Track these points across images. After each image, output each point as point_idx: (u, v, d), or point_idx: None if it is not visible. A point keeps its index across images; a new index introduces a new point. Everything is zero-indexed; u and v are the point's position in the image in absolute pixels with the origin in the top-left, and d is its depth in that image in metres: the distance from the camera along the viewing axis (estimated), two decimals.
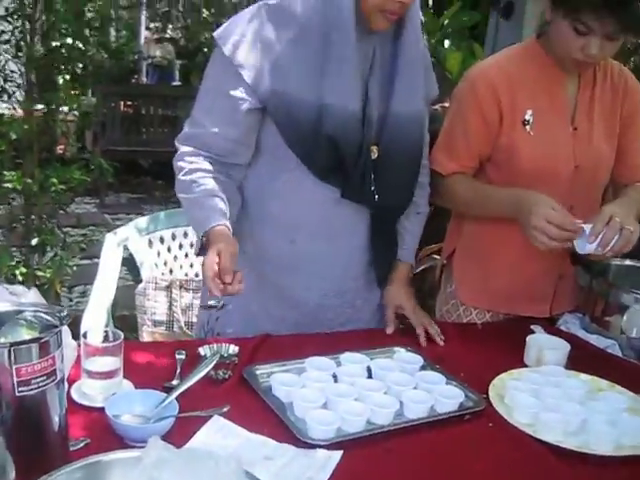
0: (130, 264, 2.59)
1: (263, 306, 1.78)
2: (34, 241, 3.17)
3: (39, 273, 3.18)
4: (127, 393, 1.31)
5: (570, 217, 1.68)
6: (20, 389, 1.02)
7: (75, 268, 3.47)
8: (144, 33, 8.41)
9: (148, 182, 7.65)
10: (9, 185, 3.08)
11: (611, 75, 1.91)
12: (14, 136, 3.15)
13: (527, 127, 1.82)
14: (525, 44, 1.93)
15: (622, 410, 1.46)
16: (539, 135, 1.82)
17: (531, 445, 1.33)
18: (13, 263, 3.09)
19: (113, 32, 8.17)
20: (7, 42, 3.29)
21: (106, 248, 2.49)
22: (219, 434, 1.25)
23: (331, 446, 1.24)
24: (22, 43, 3.23)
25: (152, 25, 8.46)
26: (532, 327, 1.83)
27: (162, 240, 2.63)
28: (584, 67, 1.80)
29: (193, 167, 1.64)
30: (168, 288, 2.49)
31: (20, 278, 3.00)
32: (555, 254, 1.83)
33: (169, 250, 2.65)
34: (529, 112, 1.81)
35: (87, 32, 3.69)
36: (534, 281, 1.91)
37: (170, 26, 8.40)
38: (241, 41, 1.62)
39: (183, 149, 1.68)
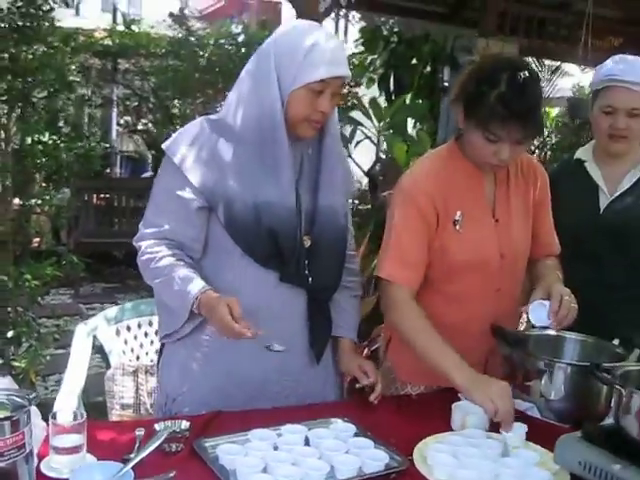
0: (101, 352, 2.77)
1: (214, 386, 1.97)
2: (10, 333, 3.35)
3: (15, 363, 3.34)
4: (89, 465, 1.49)
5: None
6: None
7: (49, 357, 3.64)
8: (115, 128, 8.79)
9: (122, 271, 7.84)
10: None
11: (521, 167, 2.18)
12: None
13: (457, 226, 2.06)
14: (447, 147, 2.18)
15: (532, 465, 1.66)
16: (467, 232, 2.06)
17: None
18: None
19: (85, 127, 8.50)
20: None
21: (77, 337, 2.68)
22: None
23: None
24: None
25: (123, 120, 8.81)
26: (459, 395, 2.03)
27: (129, 329, 2.82)
28: (498, 168, 2.06)
29: (161, 255, 1.87)
30: (135, 373, 2.67)
31: None
32: (485, 331, 2.06)
33: (135, 338, 2.84)
34: (458, 213, 2.06)
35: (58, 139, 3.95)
36: (465, 357, 2.11)
37: (142, 120, 8.76)
38: (188, 150, 1.88)
39: (144, 244, 1.91)
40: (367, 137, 6.27)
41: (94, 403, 2.87)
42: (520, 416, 1.96)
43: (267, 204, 1.87)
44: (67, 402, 2.44)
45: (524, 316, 2.17)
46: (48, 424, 1.55)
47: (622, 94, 2.35)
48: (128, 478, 1.43)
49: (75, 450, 1.52)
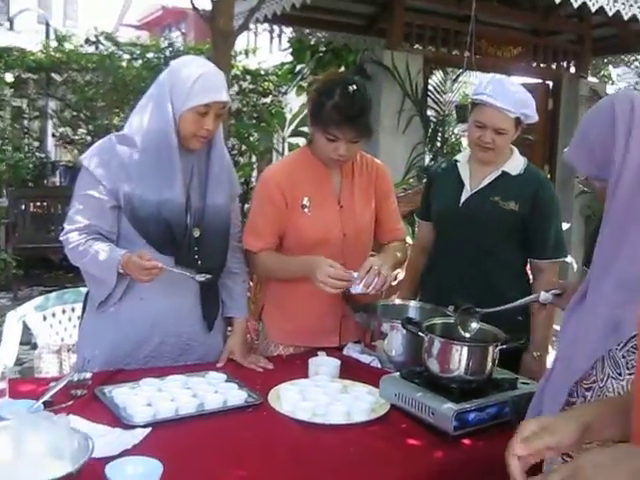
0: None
1: (120, 348, 2.42)
2: None
3: None
4: (8, 403, 1.93)
5: (343, 271, 2.40)
6: None
7: None
8: (51, 139, 9.12)
9: (59, 276, 8.12)
10: None
11: (366, 166, 2.70)
12: None
13: (305, 210, 2.56)
14: (300, 150, 2.73)
15: (359, 398, 2.14)
16: (314, 214, 2.57)
17: (291, 424, 1.99)
18: None
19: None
20: None
21: (8, 322, 3.11)
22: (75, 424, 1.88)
23: (147, 426, 1.88)
24: None
25: (59, 131, 9.13)
26: (318, 353, 2.51)
27: (54, 315, 3.25)
28: (340, 163, 2.56)
29: (85, 239, 2.33)
30: (58, 352, 3.11)
31: None
32: (336, 298, 2.55)
33: (60, 322, 3.27)
34: (306, 199, 2.57)
35: None
36: (322, 320, 2.62)
37: (78, 131, 9.07)
38: (100, 160, 2.35)
39: (70, 236, 2.35)
40: (272, 147, 6.65)
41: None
42: (365, 367, 2.47)
43: (164, 202, 2.34)
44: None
45: None
46: None
47: (491, 114, 2.70)
48: (39, 409, 1.88)
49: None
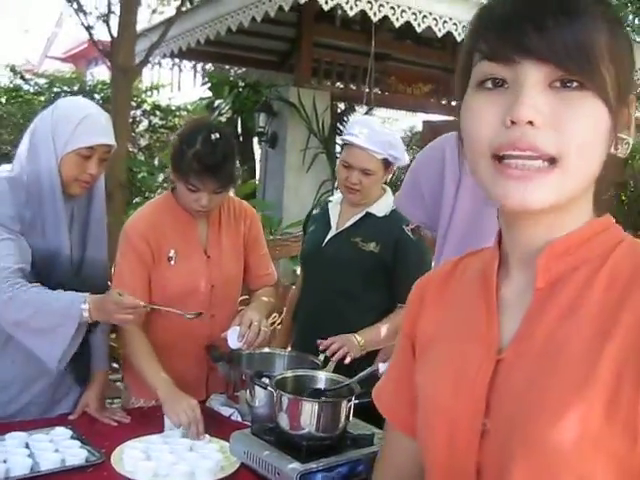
0: None
1: None
2: None
3: None
4: None
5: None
6: None
7: None
8: None
9: None
10: None
11: (233, 210, 2.63)
12: None
13: (171, 262, 2.48)
14: (163, 196, 2.63)
15: (207, 455, 2.07)
16: (180, 266, 2.49)
17: None
18: None
19: None
20: None
21: None
22: None
23: None
24: None
25: None
26: None
27: None
28: (202, 213, 2.49)
29: (21, 289, 2.10)
30: None
31: None
32: (201, 350, 2.48)
33: None
34: (172, 251, 2.49)
35: None
36: (185, 375, 2.49)
37: None
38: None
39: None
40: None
41: None
42: (226, 420, 2.41)
43: (52, 253, 2.23)
44: None
45: None
46: None
47: (358, 154, 2.71)
48: None
49: None
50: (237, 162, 2.51)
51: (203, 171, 2.34)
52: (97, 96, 8.18)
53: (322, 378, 2.22)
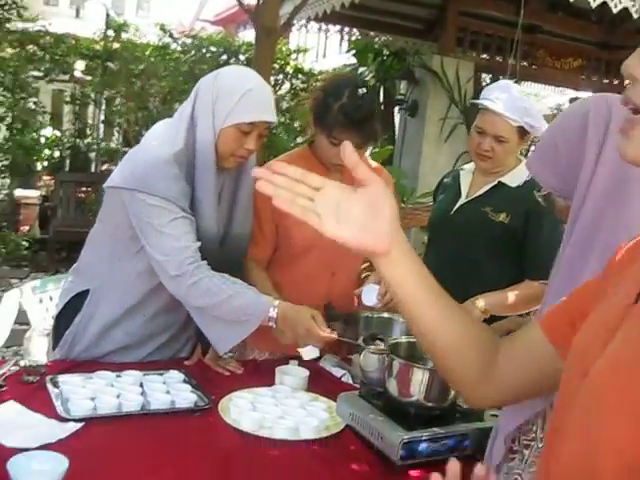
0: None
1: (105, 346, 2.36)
2: None
3: None
4: None
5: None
6: None
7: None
8: (102, 126, 9.29)
9: None
10: None
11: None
12: None
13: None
14: (299, 150, 2.61)
15: (315, 414, 2.05)
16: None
17: (233, 434, 1.91)
18: None
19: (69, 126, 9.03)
20: None
21: (5, 301, 3.13)
22: (7, 410, 1.85)
23: (81, 420, 1.83)
24: None
25: (110, 119, 9.29)
26: (290, 361, 2.43)
27: (51, 298, 3.25)
28: (342, 168, 2.45)
29: (209, 275, 2.11)
30: (49, 335, 3.10)
31: None
32: (320, 309, 2.46)
33: (57, 307, 3.26)
34: None
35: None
36: None
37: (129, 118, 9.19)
38: (168, 184, 2.11)
39: (185, 270, 2.10)
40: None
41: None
42: (336, 381, 2.38)
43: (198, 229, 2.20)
44: None
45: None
46: None
47: (492, 120, 2.60)
48: None
49: None
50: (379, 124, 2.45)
51: (349, 124, 2.29)
52: (242, 57, 8.32)
53: None
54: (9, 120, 4.08)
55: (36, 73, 7.57)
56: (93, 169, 9.87)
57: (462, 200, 2.76)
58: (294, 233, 2.47)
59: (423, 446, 1.88)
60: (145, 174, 2.10)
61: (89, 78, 8.86)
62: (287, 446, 1.89)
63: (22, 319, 3.20)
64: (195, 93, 2.19)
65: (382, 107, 9.02)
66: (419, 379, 1.95)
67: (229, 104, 2.10)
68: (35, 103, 7.06)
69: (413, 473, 1.85)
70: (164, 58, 7.85)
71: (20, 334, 3.40)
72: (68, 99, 9.21)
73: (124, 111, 8.39)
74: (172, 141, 2.15)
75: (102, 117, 9.07)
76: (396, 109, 8.52)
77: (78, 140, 8.58)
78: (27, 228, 8.21)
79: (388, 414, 1.97)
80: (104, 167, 9.88)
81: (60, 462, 1.51)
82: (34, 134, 4.44)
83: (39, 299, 3.22)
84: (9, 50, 6.22)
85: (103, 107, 8.94)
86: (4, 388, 1.97)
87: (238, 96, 2.10)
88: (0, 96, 4.06)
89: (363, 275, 2.60)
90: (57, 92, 10.18)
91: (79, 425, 1.81)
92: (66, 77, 8.80)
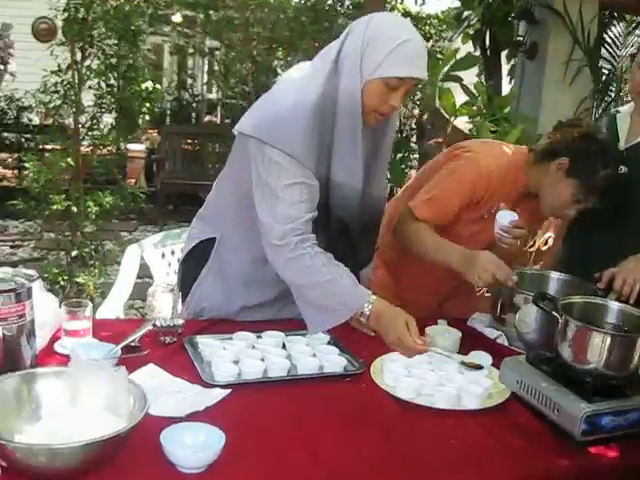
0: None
1: (233, 305, 2.20)
2: (73, 253, 3.76)
3: (78, 279, 3.76)
4: (88, 343, 1.80)
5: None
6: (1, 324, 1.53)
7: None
8: (206, 77, 9.22)
9: None
10: (57, 207, 3.68)
11: None
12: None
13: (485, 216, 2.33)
14: (518, 156, 2.38)
15: (475, 381, 1.85)
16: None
17: (389, 402, 1.74)
18: (57, 272, 3.69)
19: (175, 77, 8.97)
20: (56, 92, 3.96)
21: (127, 256, 3.03)
22: (149, 374, 1.72)
23: (227, 387, 1.69)
24: (71, 92, 3.88)
25: (213, 69, 9.17)
26: (438, 321, 2.23)
27: (173, 252, 3.14)
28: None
29: (313, 252, 1.91)
30: (173, 291, 2.99)
31: (62, 283, 3.58)
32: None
33: (178, 261, 3.15)
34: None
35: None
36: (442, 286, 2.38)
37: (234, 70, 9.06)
38: (298, 140, 1.90)
39: (289, 241, 1.89)
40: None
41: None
42: (489, 343, 2.17)
43: (338, 186, 2.00)
44: (112, 305, 2.80)
45: None
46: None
47: None
48: (116, 355, 1.73)
49: (82, 333, 1.84)
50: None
51: (602, 192, 2.24)
52: (347, 1, 8.00)
53: (614, 309, 1.90)
54: (123, 68, 4.02)
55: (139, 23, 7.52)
56: (195, 121, 9.84)
57: (621, 147, 2.49)
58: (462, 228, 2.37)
59: (606, 420, 1.67)
60: (273, 125, 1.89)
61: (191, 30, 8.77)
62: (447, 416, 1.70)
63: (144, 273, 3.11)
64: (344, 36, 1.94)
65: (488, 53, 8.60)
66: (599, 344, 1.71)
67: (380, 54, 1.86)
68: (144, 54, 7.03)
69: (594, 450, 1.64)
70: (268, 6, 7.62)
71: (143, 288, 3.34)
72: (171, 50, 9.17)
73: (227, 61, 8.24)
74: (308, 88, 1.92)
75: (205, 68, 8.99)
76: (503, 54, 8.09)
77: (182, 92, 8.51)
78: (133, 181, 8.25)
79: (562, 383, 1.75)
80: (206, 119, 9.82)
81: (218, 437, 1.36)
82: (140, 86, 4.37)
83: (161, 253, 3.11)
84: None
85: (206, 58, 8.84)
86: (144, 352, 1.84)
87: (392, 46, 1.85)
88: (113, 46, 3.99)
89: None
90: (159, 44, 10.17)
91: (225, 392, 1.67)
92: (168, 28, 8.73)
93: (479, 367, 1.91)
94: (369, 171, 2.07)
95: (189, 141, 8.23)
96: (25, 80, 4.93)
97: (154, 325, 1.95)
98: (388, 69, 1.85)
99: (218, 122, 9.90)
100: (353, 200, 2.04)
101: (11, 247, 6.93)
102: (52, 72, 4.04)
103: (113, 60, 4.08)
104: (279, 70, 7.52)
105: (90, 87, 4.03)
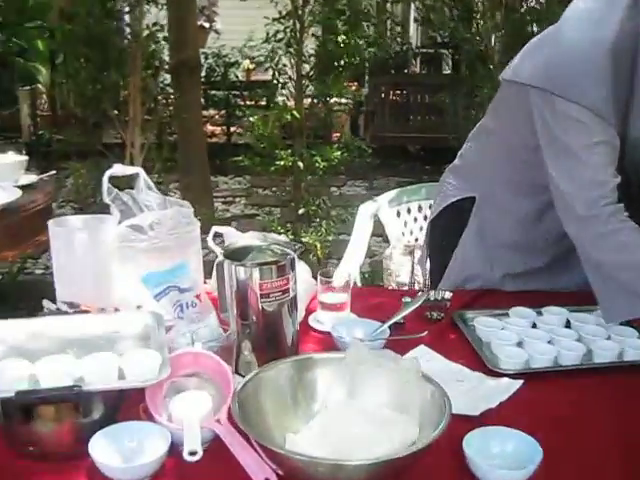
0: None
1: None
2: (300, 211, 3.64)
3: (304, 239, 3.64)
4: (350, 320, 1.60)
5: None
6: (262, 301, 1.34)
7: (336, 241, 3.89)
8: (413, 25, 8.84)
9: (416, 167, 7.97)
10: (281, 163, 3.56)
11: None
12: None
13: None
14: None
15: None
16: None
17: None
18: (283, 231, 3.60)
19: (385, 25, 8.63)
20: (280, 40, 3.81)
21: (360, 216, 2.84)
22: (422, 359, 1.49)
23: (515, 376, 1.42)
24: (292, 41, 3.72)
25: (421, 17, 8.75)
26: None
27: (409, 211, 2.91)
28: None
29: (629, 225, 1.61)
30: (411, 253, 2.76)
31: None
32: None
33: (415, 220, 2.92)
34: None
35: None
36: None
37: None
38: (592, 90, 1.58)
39: (602, 211, 1.60)
40: None
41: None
42: None
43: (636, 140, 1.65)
44: (347, 269, 2.61)
45: None
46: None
47: None
48: (384, 335, 1.52)
49: (339, 307, 1.64)
50: None
51: None
52: None
53: None
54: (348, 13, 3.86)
55: None
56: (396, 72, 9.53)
57: None
58: None
59: None
60: (563, 71, 1.56)
61: None
62: None
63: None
64: None
65: None
66: None
67: None
68: None
69: None
70: None
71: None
72: None
73: (438, 5, 7.79)
74: (602, 21, 1.57)
75: (412, 15, 8.65)
76: None
77: (389, 41, 8.20)
78: (338, 135, 8.14)
79: None
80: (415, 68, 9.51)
81: (531, 448, 1.11)
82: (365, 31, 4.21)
83: (396, 212, 2.88)
84: None
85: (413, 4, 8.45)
86: (422, 333, 1.59)
87: None
88: None
89: None
90: None
91: (517, 384, 1.40)
92: None
93: None
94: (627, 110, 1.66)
95: (398, 92, 7.98)
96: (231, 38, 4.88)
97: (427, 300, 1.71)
98: None
99: (418, 71, 9.59)
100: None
101: (223, 203, 7.03)
102: (273, 19, 3.91)
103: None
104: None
105: (313, 35, 3.87)
